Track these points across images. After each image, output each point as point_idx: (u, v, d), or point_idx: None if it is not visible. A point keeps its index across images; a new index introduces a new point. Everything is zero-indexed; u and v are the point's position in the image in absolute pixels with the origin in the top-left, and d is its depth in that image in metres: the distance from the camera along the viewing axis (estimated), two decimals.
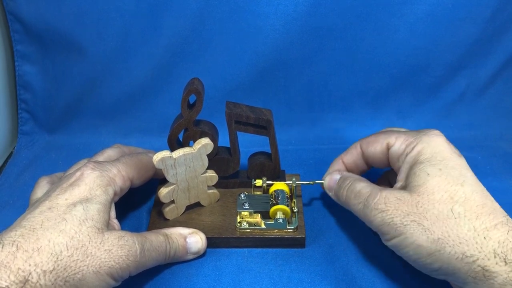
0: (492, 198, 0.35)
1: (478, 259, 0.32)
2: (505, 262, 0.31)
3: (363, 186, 0.40)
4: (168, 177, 0.42)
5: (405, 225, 0.35)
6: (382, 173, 0.49)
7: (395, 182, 0.40)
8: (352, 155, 0.46)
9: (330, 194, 0.45)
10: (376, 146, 0.43)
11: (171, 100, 0.59)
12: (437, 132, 0.40)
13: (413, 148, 0.39)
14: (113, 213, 0.40)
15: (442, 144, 0.38)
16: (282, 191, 0.46)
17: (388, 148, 0.42)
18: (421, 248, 0.34)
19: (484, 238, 0.32)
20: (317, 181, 0.46)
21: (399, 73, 0.59)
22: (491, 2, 0.54)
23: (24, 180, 0.55)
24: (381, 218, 0.36)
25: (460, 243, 0.33)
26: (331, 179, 0.45)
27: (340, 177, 0.44)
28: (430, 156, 0.37)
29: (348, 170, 0.46)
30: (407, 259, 0.36)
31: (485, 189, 0.36)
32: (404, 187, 0.38)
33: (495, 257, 0.32)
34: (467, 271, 0.32)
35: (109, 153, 0.46)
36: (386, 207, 0.36)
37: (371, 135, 0.45)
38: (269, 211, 0.44)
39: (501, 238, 0.32)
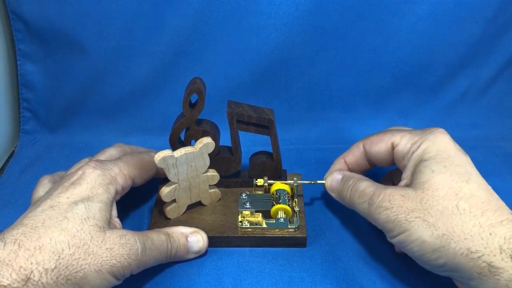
0: (497, 196, 0.35)
1: (483, 255, 0.32)
2: (511, 258, 0.31)
3: (367, 185, 0.40)
4: (170, 176, 0.42)
5: (409, 221, 0.35)
6: (386, 173, 0.49)
7: (399, 181, 0.40)
8: (354, 155, 0.46)
9: (332, 194, 0.45)
10: (380, 145, 0.43)
11: (173, 100, 0.58)
12: (442, 130, 0.40)
13: (418, 147, 0.39)
14: (114, 212, 0.40)
15: (447, 142, 0.38)
16: (283, 190, 0.46)
17: (393, 147, 0.42)
18: (425, 244, 0.34)
19: (490, 234, 0.32)
20: (318, 181, 0.46)
21: (400, 72, 0.59)
22: (493, 2, 0.54)
23: (25, 179, 0.55)
24: (386, 215, 0.36)
25: (465, 238, 0.33)
26: (333, 179, 0.45)
27: (343, 177, 0.44)
28: (435, 154, 0.38)
29: (350, 169, 0.46)
30: (412, 255, 0.36)
31: (490, 187, 0.36)
32: (409, 185, 0.38)
33: (501, 253, 0.32)
34: (472, 267, 0.32)
35: (111, 152, 0.46)
36: (390, 205, 0.36)
37: (373, 134, 0.45)
38: (270, 210, 0.44)
39: (507, 235, 0.32)
